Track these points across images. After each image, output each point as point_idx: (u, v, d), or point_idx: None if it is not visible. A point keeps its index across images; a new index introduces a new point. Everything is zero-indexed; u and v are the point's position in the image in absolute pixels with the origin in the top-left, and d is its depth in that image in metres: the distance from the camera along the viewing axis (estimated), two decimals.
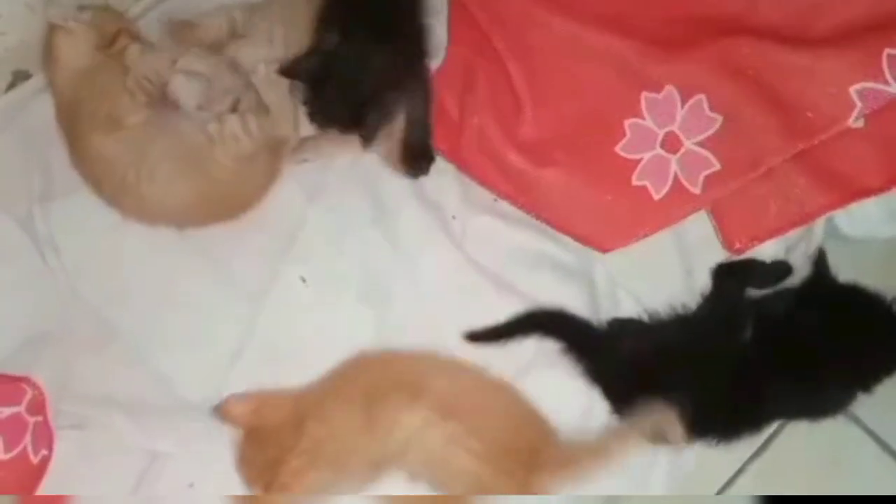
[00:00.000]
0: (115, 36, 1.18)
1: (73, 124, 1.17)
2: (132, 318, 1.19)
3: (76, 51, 1.17)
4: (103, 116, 1.15)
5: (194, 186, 1.16)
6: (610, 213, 1.19)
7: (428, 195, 1.23)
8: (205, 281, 1.19)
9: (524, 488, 1.02)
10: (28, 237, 1.21)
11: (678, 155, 1.18)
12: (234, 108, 1.17)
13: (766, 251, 1.19)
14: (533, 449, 1.05)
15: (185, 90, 1.16)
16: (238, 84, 1.19)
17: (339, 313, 1.19)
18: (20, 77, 1.28)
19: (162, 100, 1.16)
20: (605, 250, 1.19)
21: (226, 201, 1.19)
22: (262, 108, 1.19)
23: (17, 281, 1.20)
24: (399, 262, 1.20)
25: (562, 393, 1.15)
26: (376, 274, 1.20)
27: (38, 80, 1.26)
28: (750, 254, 1.19)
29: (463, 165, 1.24)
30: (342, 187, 1.23)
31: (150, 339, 1.18)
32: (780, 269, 1.18)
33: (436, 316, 1.18)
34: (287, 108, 1.19)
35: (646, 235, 1.18)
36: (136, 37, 1.20)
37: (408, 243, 1.21)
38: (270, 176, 1.21)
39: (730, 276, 1.17)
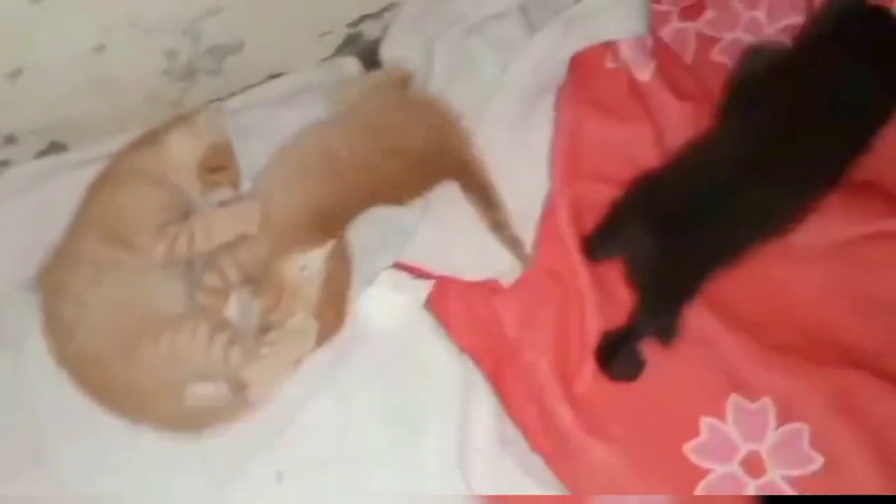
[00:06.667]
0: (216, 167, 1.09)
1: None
2: None
3: (187, 150, 1.08)
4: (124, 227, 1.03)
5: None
6: None
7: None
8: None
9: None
10: None
11: (760, 482, 0.98)
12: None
13: None
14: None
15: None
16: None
17: None
18: (56, 148, 1.18)
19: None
20: None
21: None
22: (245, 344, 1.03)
23: None
24: None
25: None
26: None
27: (74, 156, 1.17)
28: None
29: (502, 394, 1.06)
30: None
31: None
32: None
33: None
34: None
35: None
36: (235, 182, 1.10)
37: None
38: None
39: None
